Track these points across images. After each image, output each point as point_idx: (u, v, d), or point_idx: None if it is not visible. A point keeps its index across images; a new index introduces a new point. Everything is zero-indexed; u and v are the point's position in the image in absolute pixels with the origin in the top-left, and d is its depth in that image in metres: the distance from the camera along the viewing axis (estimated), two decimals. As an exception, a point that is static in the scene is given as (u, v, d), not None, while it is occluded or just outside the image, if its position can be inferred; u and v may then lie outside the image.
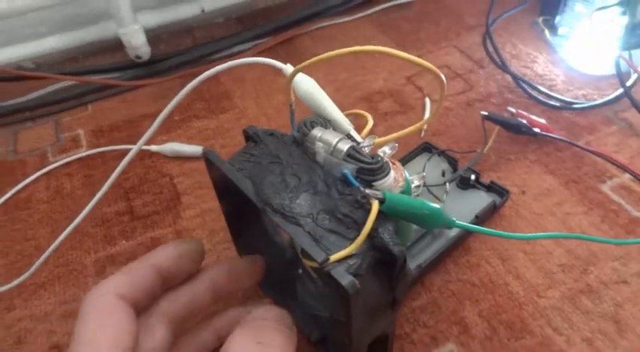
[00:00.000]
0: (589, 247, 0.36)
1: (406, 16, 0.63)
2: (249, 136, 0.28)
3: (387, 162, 0.24)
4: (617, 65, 0.43)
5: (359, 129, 0.28)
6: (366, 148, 0.26)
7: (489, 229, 0.26)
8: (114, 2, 0.51)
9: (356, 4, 0.64)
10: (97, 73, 0.57)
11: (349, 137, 0.26)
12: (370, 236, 0.22)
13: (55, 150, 0.50)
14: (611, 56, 0.44)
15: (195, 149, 0.46)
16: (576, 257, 0.35)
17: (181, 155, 0.46)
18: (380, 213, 0.22)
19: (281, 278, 0.32)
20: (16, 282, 0.35)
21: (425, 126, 0.46)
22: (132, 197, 0.44)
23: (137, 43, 0.54)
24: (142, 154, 0.47)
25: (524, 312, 0.32)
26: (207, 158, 0.27)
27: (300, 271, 0.32)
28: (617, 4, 0.44)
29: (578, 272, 0.34)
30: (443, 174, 0.40)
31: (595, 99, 0.47)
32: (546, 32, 0.55)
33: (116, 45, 0.59)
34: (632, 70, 0.44)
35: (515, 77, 0.49)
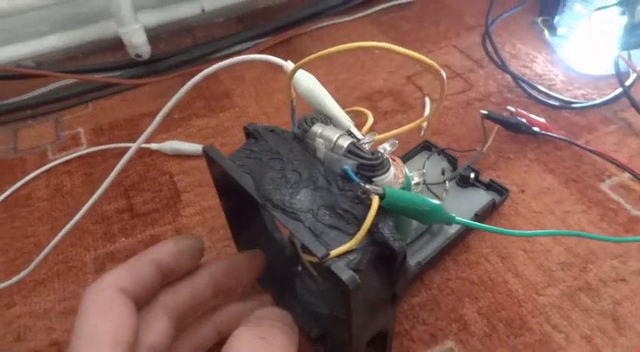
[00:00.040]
0: (588, 245, 0.36)
1: (406, 16, 0.63)
2: (250, 133, 0.28)
3: (387, 158, 0.24)
4: (616, 65, 0.43)
5: (359, 128, 0.28)
6: (366, 145, 0.26)
7: (488, 225, 0.27)
8: (114, 1, 0.52)
9: (356, 3, 0.64)
10: (98, 72, 0.57)
11: (349, 134, 0.26)
12: (370, 231, 0.22)
13: (55, 148, 0.50)
14: (610, 56, 0.44)
15: (195, 147, 0.46)
16: (575, 255, 0.35)
17: (181, 153, 0.46)
18: (380, 208, 0.23)
19: (280, 275, 0.32)
20: (15, 279, 0.35)
21: (425, 125, 0.46)
22: (132, 195, 0.44)
23: (137, 41, 0.54)
24: (142, 152, 0.47)
25: (523, 310, 0.33)
26: (207, 154, 0.28)
27: (300, 268, 0.32)
28: (616, 5, 0.45)
29: (577, 270, 0.34)
30: (442, 173, 0.40)
31: (594, 99, 0.47)
32: (545, 32, 0.55)
33: (116, 44, 0.59)
34: (631, 70, 0.44)
35: (514, 77, 0.49)
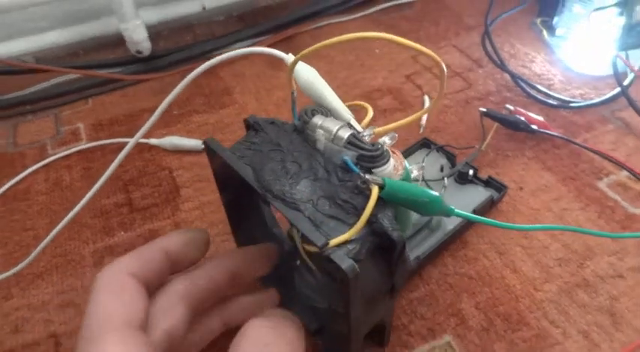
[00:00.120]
0: (585, 242, 0.36)
1: (406, 16, 0.64)
2: (250, 125, 0.29)
3: (387, 149, 0.24)
4: (614, 65, 0.44)
5: (358, 122, 0.28)
6: (366, 137, 0.26)
7: (486, 218, 0.27)
8: (116, -3, 0.52)
9: (356, 3, 0.64)
10: (98, 68, 0.57)
11: (349, 126, 0.26)
12: (370, 222, 0.23)
13: (55, 142, 0.50)
14: (609, 56, 0.44)
15: (195, 143, 0.46)
16: (573, 251, 0.35)
17: (181, 149, 0.46)
18: (379, 199, 0.23)
19: (279, 269, 0.32)
20: (13, 271, 0.35)
21: (424, 123, 0.46)
22: (131, 189, 0.44)
23: (138, 37, 0.54)
24: (142, 148, 0.47)
25: (520, 305, 0.33)
26: (207, 146, 0.28)
27: (298, 263, 0.32)
28: (615, 5, 0.45)
29: (574, 266, 0.35)
30: (441, 169, 0.40)
31: (592, 99, 0.47)
32: (544, 33, 0.55)
33: (117, 40, 0.59)
34: (628, 70, 0.44)
35: (513, 76, 0.49)
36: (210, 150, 0.28)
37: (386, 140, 0.26)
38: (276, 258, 0.31)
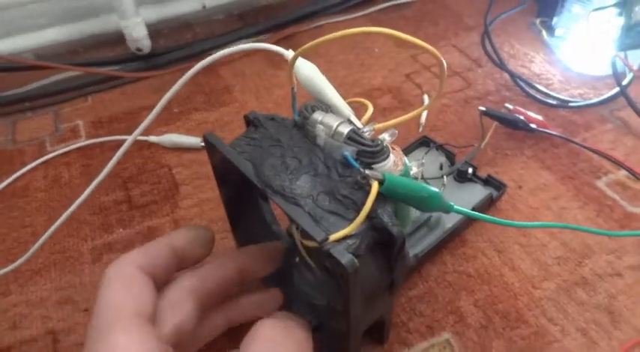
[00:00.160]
0: (584, 240, 0.36)
1: (405, 16, 0.64)
2: (250, 121, 0.29)
3: (387, 145, 0.24)
4: (614, 65, 0.44)
5: (358, 119, 0.28)
6: (366, 133, 0.26)
7: (485, 215, 0.27)
8: (116, -5, 0.52)
9: (355, 3, 0.64)
10: (98, 66, 0.57)
11: (349, 122, 0.26)
12: (369, 217, 0.23)
13: (54, 140, 0.50)
14: (608, 56, 0.44)
15: (195, 140, 0.46)
16: (571, 250, 0.35)
17: (180, 146, 0.46)
18: (379, 194, 0.23)
19: (278, 267, 0.32)
20: (10, 267, 0.35)
21: (423, 122, 0.46)
22: (130, 186, 0.44)
23: (138, 35, 0.54)
24: (141, 145, 0.47)
25: (519, 303, 0.33)
26: (207, 141, 0.28)
27: (297, 260, 0.32)
28: (614, 6, 0.45)
29: (573, 264, 0.35)
30: (441, 168, 0.40)
31: (591, 98, 0.48)
32: (544, 33, 0.55)
33: (116, 38, 0.59)
34: (627, 70, 0.44)
35: (512, 75, 0.50)
36: (210, 144, 0.28)
37: (386, 137, 0.26)
38: (282, 256, 0.31)
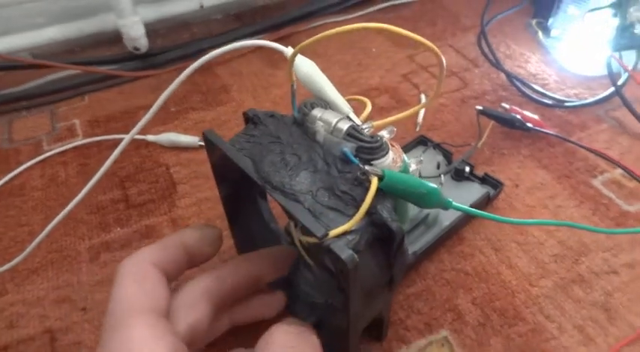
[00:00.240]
0: (580, 238, 0.36)
1: (403, 16, 0.64)
2: (249, 118, 0.29)
3: (386, 142, 0.24)
4: (609, 65, 0.44)
5: (357, 117, 0.28)
6: (365, 130, 0.26)
7: (483, 212, 0.27)
8: (114, -6, 0.52)
9: (353, 3, 0.65)
10: (95, 65, 0.57)
11: (348, 119, 0.26)
12: (369, 213, 0.23)
13: (51, 139, 0.49)
14: (603, 57, 0.45)
15: (192, 139, 0.46)
16: (568, 248, 0.36)
17: (178, 145, 0.46)
18: (378, 190, 0.23)
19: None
20: (7, 266, 0.35)
21: (420, 121, 0.46)
22: (127, 185, 0.44)
23: (136, 34, 0.54)
24: (139, 144, 0.47)
25: (516, 300, 0.33)
26: (207, 138, 0.28)
27: (296, 258, 0.32)
28: (609, 7, 0.46)
29: (569, 262, 0.35)
30: (438, 167, 0.40)
31: (586, 98, 0.48)
32: (539, 34, 0.56)
33: (114, 37, 0.59)
34: (622, 70, 0.45)
35: (509, 75, 0.50)
36: (209, 142, 0.28)
37: (384, 134, 0.26)
38: (293, 260, 0.31)
